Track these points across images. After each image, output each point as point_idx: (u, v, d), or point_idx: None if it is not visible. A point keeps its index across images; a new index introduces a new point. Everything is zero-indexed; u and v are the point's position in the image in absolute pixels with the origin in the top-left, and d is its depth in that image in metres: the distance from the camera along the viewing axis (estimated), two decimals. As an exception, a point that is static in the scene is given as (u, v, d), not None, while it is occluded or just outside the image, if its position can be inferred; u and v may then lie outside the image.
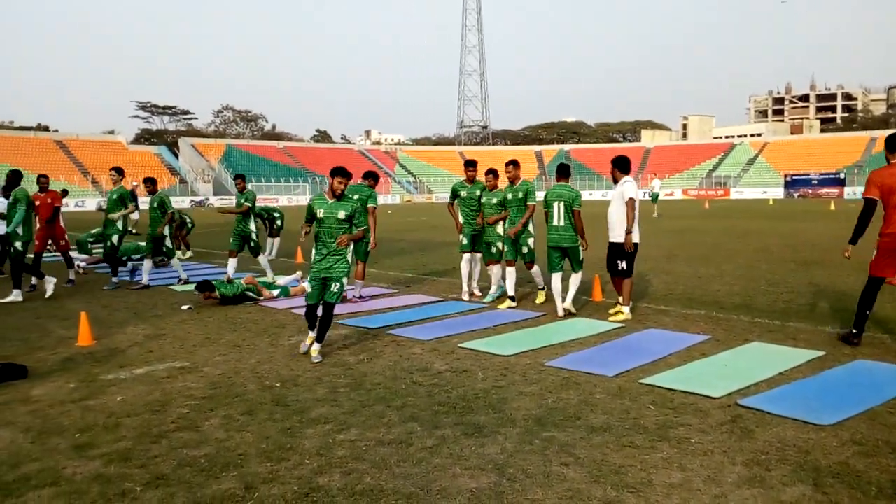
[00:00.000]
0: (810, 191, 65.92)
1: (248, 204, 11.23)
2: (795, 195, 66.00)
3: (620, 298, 8.38)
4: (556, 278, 8.63)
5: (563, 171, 8.97)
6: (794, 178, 68.34)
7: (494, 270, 9.74)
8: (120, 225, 11.60)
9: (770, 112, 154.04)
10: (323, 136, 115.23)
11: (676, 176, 79.50)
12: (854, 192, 64.01)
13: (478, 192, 9.76)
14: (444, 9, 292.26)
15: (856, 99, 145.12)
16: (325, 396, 5.49)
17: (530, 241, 9.21)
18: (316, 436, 4.62)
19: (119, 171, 11.80)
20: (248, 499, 3.71)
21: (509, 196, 9.23)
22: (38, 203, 11.84)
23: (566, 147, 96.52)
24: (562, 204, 8.54)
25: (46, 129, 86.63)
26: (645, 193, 35.65)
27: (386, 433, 4.64)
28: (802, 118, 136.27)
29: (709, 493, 3.70)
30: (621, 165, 8.32)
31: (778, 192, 67.31)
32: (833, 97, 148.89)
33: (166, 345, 7.41)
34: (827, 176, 66.87)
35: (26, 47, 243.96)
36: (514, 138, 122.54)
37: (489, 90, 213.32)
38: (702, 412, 4.97)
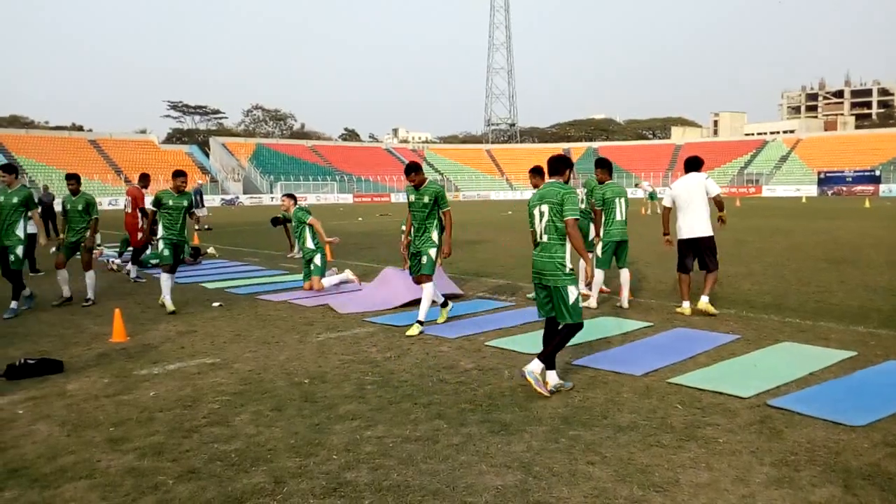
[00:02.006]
0: (845, 188, 64.68)
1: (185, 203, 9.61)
2: (829, 193, 64.81)
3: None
4: (602, 274, 9.10)
5: (609, 167, 9.20)
6: (828, 175, 67.08)
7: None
8: (21, 233, 9.24)
9: (803, 108, 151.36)
10: (351, 135, 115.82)
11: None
12: (890, 189, 62.71)
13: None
14: (472, 6, 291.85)
15: (892, 94, 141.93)
16: (353, 393, 5.55)
17: (432, 251, 7.81)
18: (344, 432, 4.67)
19: (10, 170, 9.43)
20: (277, 493, 3.77)
21: (412, 198, 7.87)
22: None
23: (595, 144, 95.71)
24: (623, 200, 9.01)
25: (80, 128, 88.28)
26: (643, 195, 35.51)
27: (413, 430, 4.68)
28: (836, 114, 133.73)
29: (736, 493, 3.67)
30: (686, 165, 8.88)
31: (811, 190, 66.10)
32: (868, 92, 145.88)
33: (197, 341, 7.53)
34: (862, 173, 65.54)
35: (60, 49, 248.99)
36: (541, 136, 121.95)
37: (517, 87, 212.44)
38: (730, 412, 4.93)
